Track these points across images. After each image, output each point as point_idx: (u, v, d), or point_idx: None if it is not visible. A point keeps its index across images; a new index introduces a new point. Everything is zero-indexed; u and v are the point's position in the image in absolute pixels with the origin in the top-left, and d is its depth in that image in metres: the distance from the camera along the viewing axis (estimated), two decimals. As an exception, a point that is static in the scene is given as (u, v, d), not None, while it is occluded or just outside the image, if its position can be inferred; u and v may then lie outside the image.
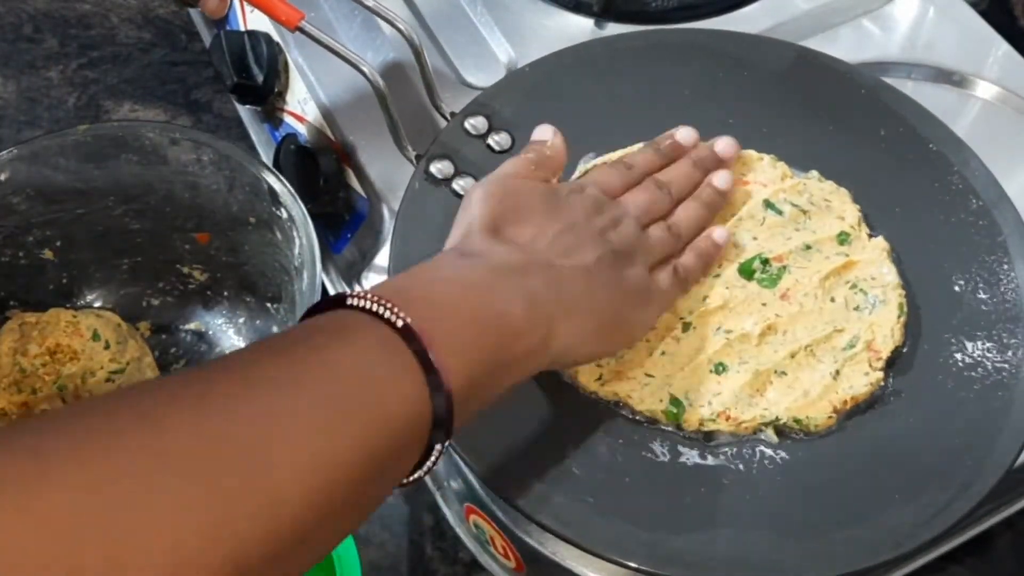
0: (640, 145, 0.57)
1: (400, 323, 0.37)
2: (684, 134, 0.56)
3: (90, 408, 0.32)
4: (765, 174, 0.58)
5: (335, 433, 0.34)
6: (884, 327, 0.52)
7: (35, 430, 0.30)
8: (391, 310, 0.38)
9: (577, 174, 0.58)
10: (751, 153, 0.59)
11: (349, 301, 0.38)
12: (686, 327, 0.52)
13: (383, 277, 0.58)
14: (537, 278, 0.44)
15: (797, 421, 0.50)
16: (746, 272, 0.54)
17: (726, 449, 0.50)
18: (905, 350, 0.52)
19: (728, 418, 0.50)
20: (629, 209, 0.52)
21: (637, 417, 0.51)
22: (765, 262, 0.54)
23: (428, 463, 0.39)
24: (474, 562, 0.61)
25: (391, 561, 0.62)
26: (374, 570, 0.62)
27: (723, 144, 0.56)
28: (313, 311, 0.39)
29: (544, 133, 0.53)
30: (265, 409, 0.33)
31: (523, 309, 0.42)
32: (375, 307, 0.38)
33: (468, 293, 0.42)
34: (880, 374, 0.51)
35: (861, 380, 0.51)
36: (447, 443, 0.39)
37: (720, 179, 0.55)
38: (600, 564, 0.48)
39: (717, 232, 0.54)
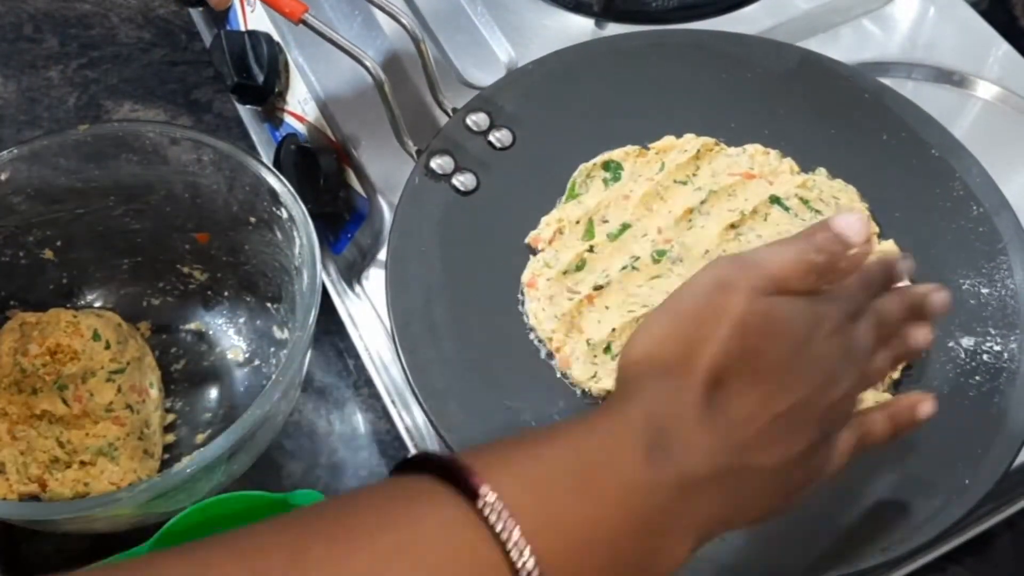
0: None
1: (525, 572, 0.31)
2: (905, 266, 0.44)
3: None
4: (772, 169, 0.58)
5: None
6: None
7: None
8: (521, 551, 0.31)
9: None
10: (757, 147, 0.59)
11: (479, 503, 0.32)
12: None
13: (382, 277, 0.57)
14: (720, 494, 0.36)
15: None
16: None
17: None
18: (933, 357, 0.52)
19: None
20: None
21: None
22: None
23: None
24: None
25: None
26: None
27: (939, 299, 0.44)
28: (418, 466, 0.33)
29: (850, 227, 0.39)
30: None
31: (688, 547, 0.35)
32: (504, 533, 0.31)
33: (625, 528, 0.33)
34: (889, 396, 0.50)
35: (871, 395, 0.50)
36: None
37: (923, 336, 0.44)
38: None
39: (924, 406, 0.43)
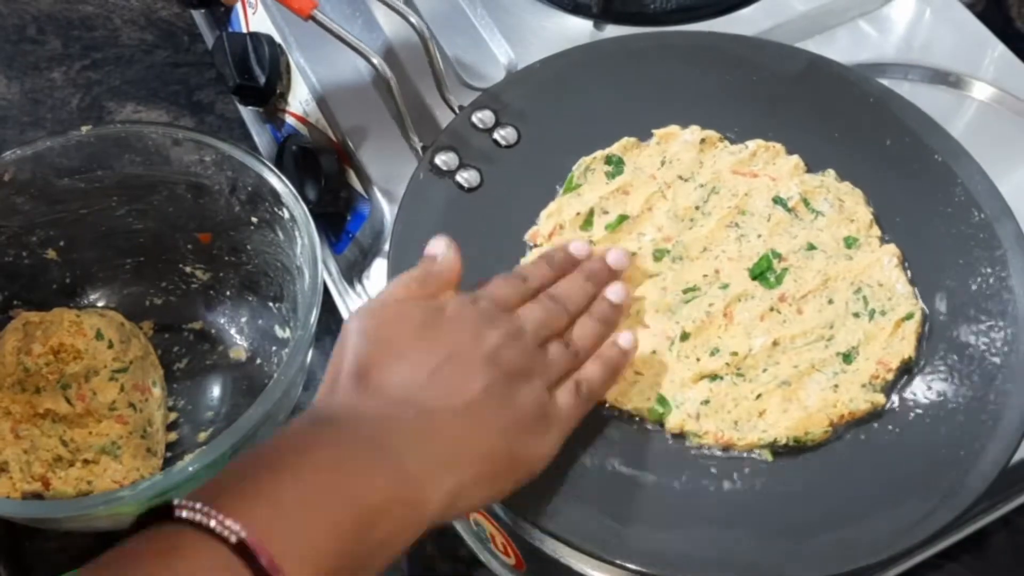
0: (532, 256, 0.56)
1: (234, 538, 0.34)
2: (576, 247, 0.52)
3: None
4: (776, 168, 0.58)
5: None
6: (893, 338, 0.52)
7: None
8: (222, 523, 0.34)
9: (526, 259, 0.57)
10: (759, 142, 0.59)
11: (177, 512, 0.35)
12: (684, 336, 0.53)
13: (382, 277, 0.58)
14: (405, 437, 0.41)
15: (796, 440, 0.50)
16: (761, 277, 0.54)
17: (714, 450, 0.50)
18: (923, 362, 0.52)
19: (726, 443, 0.50)
20: (525, 324, 0.47)
21: (622, 415, 0.51)
22: (777, 257, 0.55)
23: None
24: (474, 559, 0.61)
25: (392, 558, 0.63)
26: (375, 567, 0.62)
27: (614, 256, 0.52)
28: (144, 521, 0.36)
29: (436, 247, 0.48)
30: None
31: (386, 485, 0.39)
32: (204, 519, 0.34)
33: (319, 480, 0.38)
34: (882, 397, 0.51)
35: (861, 395, 0.51)
36: None
37: (614, 293, 0.51)
38: (601, 563, 0.49)
39: (623, 338, 0.51)
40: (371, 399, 0.42)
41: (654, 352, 0.52)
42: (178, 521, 0.35)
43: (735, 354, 0.52)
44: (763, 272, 0.54)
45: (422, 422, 0.41)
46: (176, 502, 0.35)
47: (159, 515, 0.36)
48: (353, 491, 0.38)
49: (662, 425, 0.50)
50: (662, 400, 0.51)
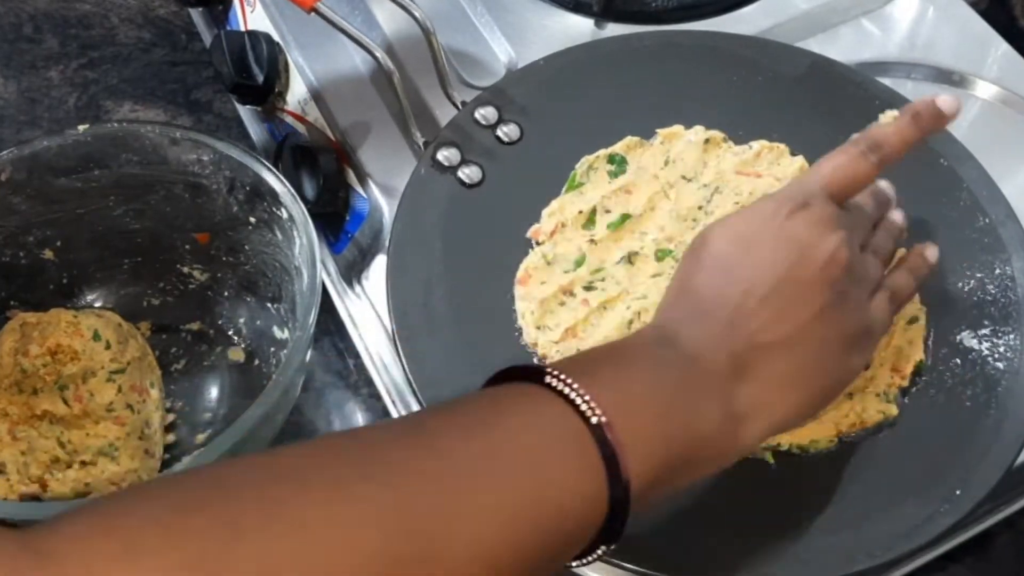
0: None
1: (595, 420, 0.37)
2: (947, 103, 0.48)
3: (283, 474, 0.33)
4: (781, 168, 0.58)
5: (513, 522, 0.34)
6: (901, 342, 0.52)
7: (231, 498, 0.31)
8: (588, 404, 0.37)
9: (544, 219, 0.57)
10: (763, 143, 0.59)
11: (548, 380, 0.38)
12: None
13: (381, 277, 0.58)
14: (735, 375, 0.41)
15: (800, 447, 0.50)
16: None
17: None
18: (928, 366, 0.52)
19: None
20: (855, 224, 0.46)
21: None
22: None
23: (588, 558, 0.39)
24: (474, 561, 0.61)
25: (391, 561, 0.62)
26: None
27: (886, 188, 0.51)
28: (506, 375, 0.39)
29: (945, 104, 0.47)
30: (452, 487, 0.34)
31: (716, 416, 0.40)
32: (573, 396, 0.37)
33: (660, 394, 0.39)
34: (895, 408, 0.50)
35: (874, 405, 0.50)
36: (612, 546, 0.38)
37: (898, 215, 0.51)
38: (600, 563, 0.48)
39: (929, 250, 0.50)
40: (706, 327, 0.42)
41: None
42: (545, 386, 0.37)
43: None
44: None
45: (751, 357, 0.41)
46: (547, 368, 0.38)
47: (524, 373, 0.38)
48: (688, 417, 0.39)
49: None
50: None
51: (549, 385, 0.37)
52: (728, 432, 0.41)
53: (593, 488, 0.36)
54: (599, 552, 0.38)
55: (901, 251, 0.51)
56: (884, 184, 0.51)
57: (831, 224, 0.43)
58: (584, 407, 0.37)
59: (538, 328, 0.54)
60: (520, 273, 0.56)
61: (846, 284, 0.43)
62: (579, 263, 0.55)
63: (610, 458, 0.36)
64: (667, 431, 0.39)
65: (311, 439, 0.35)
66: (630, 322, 0.53)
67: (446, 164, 0.58)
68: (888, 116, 0.48)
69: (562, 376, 0.37)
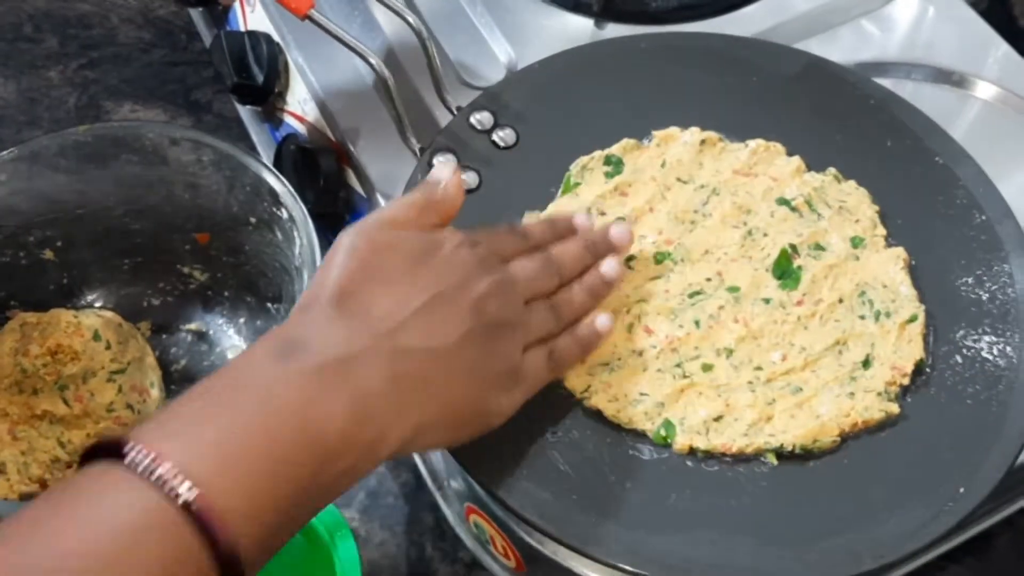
0: (534, 215, 0.56)
1: (180, 500, 0.33)
2: (581, 218, 0.53)
3: None
4: (778, 168, 0.58)
5: None
6: (901, 341, 0.52)
7: None
8: (171, 478, 0.33)
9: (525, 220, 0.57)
10: (759, 141, 0.59)
11: (126, 457, 0.34)
12: (705, 364, 0.52)
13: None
14: (376, 371, 0.40)
15: (803, 447, 0.49)
16: (782, 269, 0.54)
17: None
18: (929, 365, 0.52)
19: (730, 450, 0.49)
20: (517, 276, 0.47)
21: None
22: (794, 251, 0.54)
23: None
24: (474, 562, 0.61)
25: (391, 561, 0.62)
26: (374, 570, 0.62)
27: (617, 231, 0.52)
28: (93, 452, 0.35)
29: (440, 172, 0.47)
30: None
31: (345, 422, 0.38)
32: (153, 473, 0.34)
33: (271, 423, 0.36)
34: (896, 406, 0.50)
35: (876, 404, 0.50)
36: None
37: (608, 267, 0.51)
38: (600, 566, 0.48)
39: (600, 320, 0.50)
40: (348, 324, 0.40)
41: (659, 371, 0.51)
42: (126, 466, 0.34)
43: (759, 368, 0.51)
44: (785, 271, 0.54)
45: (396, 359, 0.40)
46: (127, 443, 0.34)
47: (107, 450, 0.35)
48: (310, 436, 0.37)
49: (669, 446, 0.50)
50: (668, 425, 0.50)
51: (129, 464, 0.34)
52: (363, 439, 0.39)
53: (191, 573, 0.33)
54: None
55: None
56: (617, 231, 0.52)
57: (497, 267, 0.46)
58: (168, 484, 0.33)
59: None
60: None
61: (497, 323, 0.44)
62: None
63: (210, 534, 0.33)
64: (280, 469, 0.36)
65: None
66: (630, 326, 0.52)
67: None
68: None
69: (139, 450, 0.34)
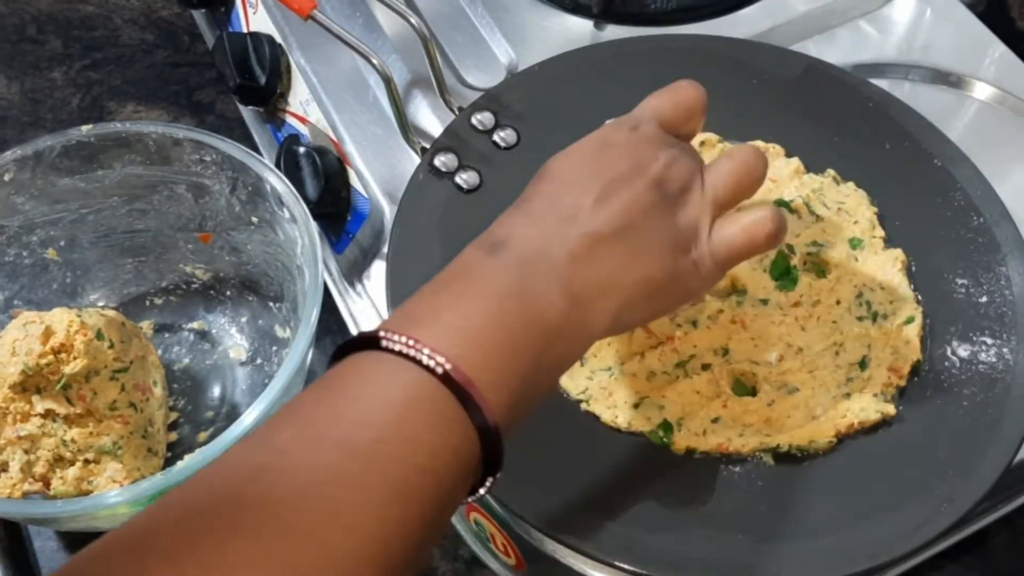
0: None
1: (440, 370, 0.37)
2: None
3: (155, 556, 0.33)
4: (776, 170, 0.58)
5: (394, 503, 0.35)
6: (898, 342, 0.52)
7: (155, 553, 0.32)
8: (428, 356, 0.37)
9: None
10: (758, 143, 0.59)
11: (384, 344, 0.37)
12: (696, 361, 0.52)
13: (381, 277, 0.58)
14: (571, 260, 0.42)
15: (799, 448, 0.50)
16: (780, 270, 0.54)
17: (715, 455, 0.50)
18: (926, 367, 0.52)
19: (727, 450, 0.50)
20: (685, 147, 0.48)
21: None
22: (792, 251, 0.54)
23: (481, 491, 0.39)
24: (475, 559, 0.61)
25: (392, 558, 0.62)
26: (375, 567, 0.62)
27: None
28: (345, 348, 0.39)
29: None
30: (327, 478, 0.34)
31: (560, 303, 0.41)
32: (413, 353, 0.37)
33: (500, 306, 0.40)
34: (893, 408, 0.51)
35: (873, 405, 0.50)
36: (499, 474, 0.39)
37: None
38: (600, 564, 0.49)
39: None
40: (537, 221, 0.43)
41: (665, 373, 0.52)
42: (384, 351, 0.37)
43: (755, 363, 0.51)
44: (783, 272, 0.54)
45: (585, 244, 0.42)
46: (381, 333, 0.38)
47: (360, 344, 0.38)
48: (533, 315, 0.40)
49: (667, 446, 0.50)
50: (666, 425, 0.50)
51: (388, 349, 0.37)
52: (576, 319, 0.41)
53: (457, 437, 0.37)
54: (488, 484, 0.39)
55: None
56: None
57: (662, 142, 0.46)
58: (426, 360, 0.37)
59: None
60: None
61: (679, 191, 0.45)
62: None
63: (466, 400, 0.37)
64: (514, 345, 0.39)
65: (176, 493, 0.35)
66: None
67: (443, 170, 0.58)
68: None
69: (396, 337, 0.37)
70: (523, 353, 0.39)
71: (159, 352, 0.67)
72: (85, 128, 0.62)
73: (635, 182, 0.44)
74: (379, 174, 0.64)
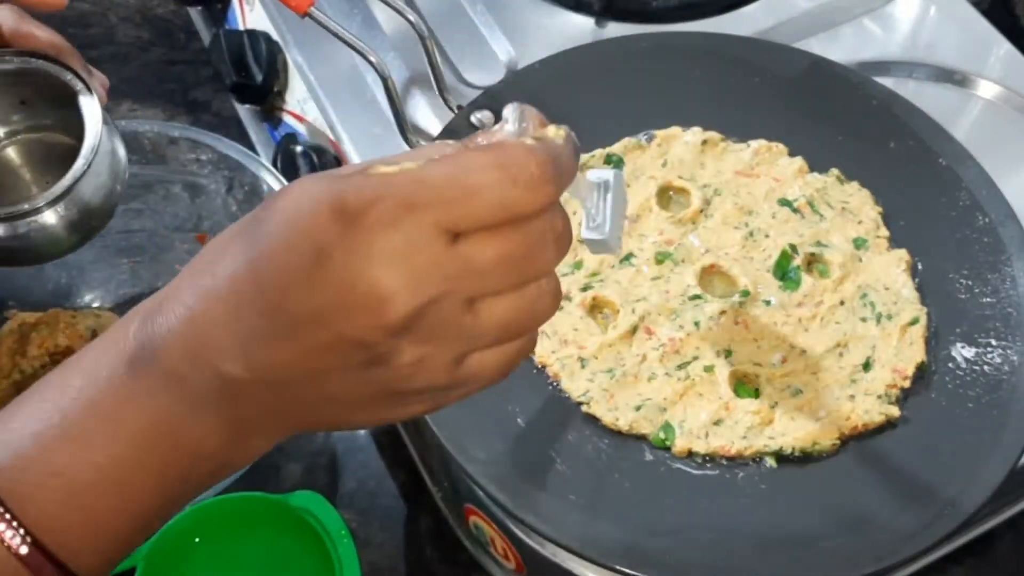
0: None
1: (25, 549, 0.31)
2: None
3: None
4: (779, 168, 0.58)
5: None
6: (902, 344, 0.52)
7: None
8: (11, 524, 0.31)
9: None
10: (761, 142, 0.58)
11: None
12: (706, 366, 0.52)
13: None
14: (243, 382, 0.32)
15: (803, 450, 0.49)
16: (783, 270, 0.54)
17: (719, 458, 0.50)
18: (930, 368, 0.52)
19: (729, 452, 0.49)
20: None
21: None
22: (795, 251, 0.54)
23: None
24: (474, 563, 0.61)
25: (391, 562, 0.62)
26: (374, 570, 0.61)
27: None
28: None
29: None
30: None
31: (217, 436, 0.33)
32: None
33: (136, 452, 0.32)
34: (896, 410, 0.50)
35: (876, 407, 0.50)
36: None
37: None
38: (600, 568, 0.48)
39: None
40: (203, 325, 0.32)
41: (667, 375, 0.51)
42: None
43: (758, 364, 0.51)
44: (786, 272, 0.53)
45: (259, 374, 0.32)
46: None
47: None
48: (178, 453, 0.33)
49: (668, 449, 0.50)
50: (667, 427, 0.50)
51: None
52: (233, 440, 0.34)
53: None
54: None
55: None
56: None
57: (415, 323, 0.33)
58: (8, 538, 0.31)
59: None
60: None
61: (402, 389, 0.34)
62: (576, 266, 0.55)
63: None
64: (135, 492, 0.33)
65: None
66: (634, 327, 0.52)
67: None
68: None
69: None
70: (152, 492, 0.33)
71: (155, 353, 0.66)
72: (80, 127, 0.61)
73: (350, 358, 0.31)
74: (377, 174, 0.63)
